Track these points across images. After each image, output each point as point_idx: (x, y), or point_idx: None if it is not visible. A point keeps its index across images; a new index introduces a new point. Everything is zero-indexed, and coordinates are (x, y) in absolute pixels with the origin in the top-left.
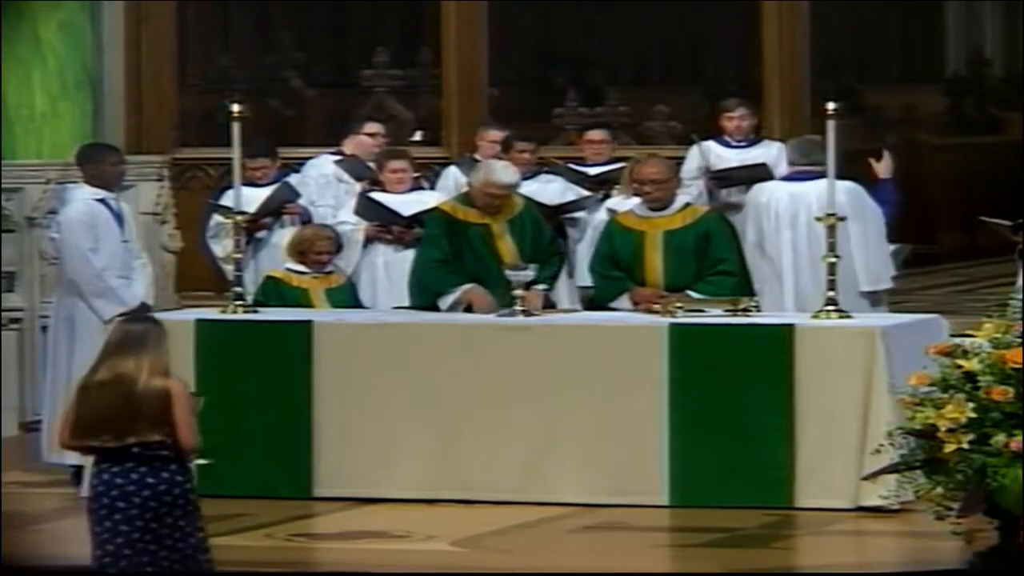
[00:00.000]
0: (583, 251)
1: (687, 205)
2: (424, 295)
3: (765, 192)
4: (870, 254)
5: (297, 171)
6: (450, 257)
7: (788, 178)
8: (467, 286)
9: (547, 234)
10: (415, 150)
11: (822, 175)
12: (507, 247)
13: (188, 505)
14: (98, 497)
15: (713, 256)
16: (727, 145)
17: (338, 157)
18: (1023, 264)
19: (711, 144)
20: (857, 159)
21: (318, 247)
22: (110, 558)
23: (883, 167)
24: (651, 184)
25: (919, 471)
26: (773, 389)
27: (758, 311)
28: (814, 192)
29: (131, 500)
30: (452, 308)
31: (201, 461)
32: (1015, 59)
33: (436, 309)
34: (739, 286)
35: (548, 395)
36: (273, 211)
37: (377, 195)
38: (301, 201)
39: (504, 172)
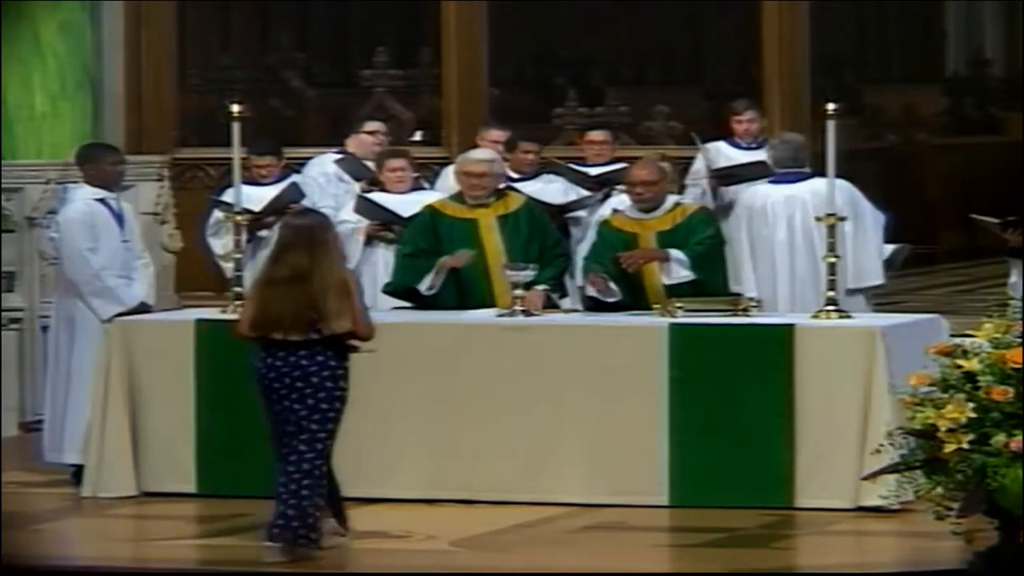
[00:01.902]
0: (585, 251)
1: (677, 205)
2: (396, 289)
3: (759, 196)
4: (858, 252)
5: (298, 171)
6: (421, 251)
7: (779, 180)
8: (441, 260)
9: (552, 235)
10: (415, 150)
11: (810, 175)
12: (493, 242)
13: (334, 390)
14: (260, 379)
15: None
16: (736, 147)
17: (338, 156)
18: (1017, 262)
19: (720, 145)
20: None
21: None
22: (274, 434)
23: None
24: (641, 186)
25: (919, 471)
26: (773, 389)
27: (758, 310)
28: (808, 192)
29: (283, 380)
30: (433, 287)
31: (370, 348)
32: (1015, 59)
33: (415, 299)
34: (697, 267)
35: (548, 395)
36: (278, 210)
37: (376, 195)
38: (304, 201)
39: (477, 151)
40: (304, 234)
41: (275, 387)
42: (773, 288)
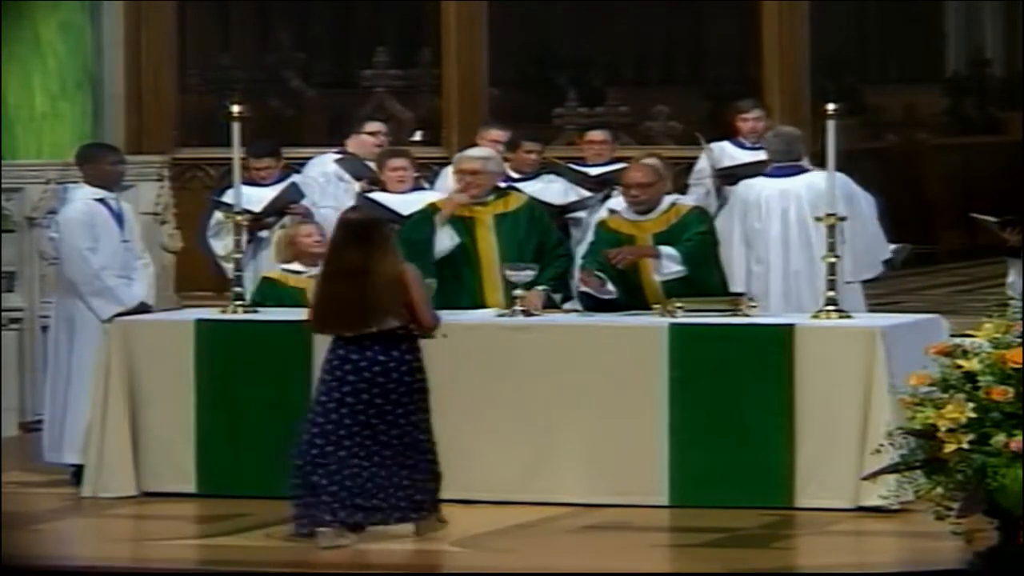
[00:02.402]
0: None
1: (672, 205)
2: None
3: (754, 189)
4: (857, 246)
5: (298, 171)
6: (415, 242)
7: (774, 174)
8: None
9: (554, 235)
10: (415, 150)
11: (805, 169)
12: (489, 240)
13: (414, 384)
14: (332, 370)
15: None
16: (741, 146)
17: (339, 156)
18: (1015, 261)
19: (725, 145)
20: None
21: (304, 231)
22: (332, 425)
23: None
24: (636, 188)
25: (919, 471)
26: (773, 389)
27: (756, 310)
28: (803, 186)
29: (361, 375)
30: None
31: (442, 334)
32: (1015, 59)
33: None
34: (687, 262)
35: (548, 395)
36: (278, 210)
37: (377, 195)
38: (304, 202)
39: (473, 150)
40: (358, 230)
41: (350, 380)
42: (766, 284)
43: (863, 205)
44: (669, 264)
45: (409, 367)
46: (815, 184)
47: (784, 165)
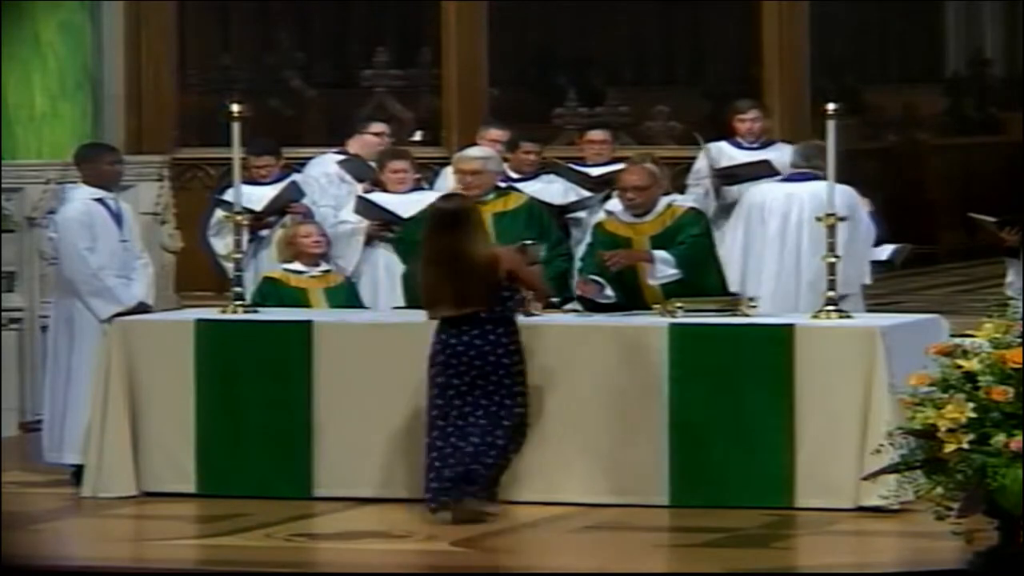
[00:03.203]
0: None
1: (668, 207)
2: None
3: (761, 192)
4: (848, 258)
5: (298, 171)
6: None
7: (786, 179)
8: None
9: (554, 235)
10: (415, 150)
11: (818, 178)
12: None
13: (512, 366)
14: (435, 355)
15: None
16: (739, 146)
17: (341, 157)
18: (1014, 261)
19: (723, 145)
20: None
21: (303, 231)
22: (447, 408)
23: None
24: (633, 191)
25: (919, 471)
26: (773, 389)
27: (756, 310)
28: (808, 191)
29: (461, 359)
30: None
31: (555, 300)
32: (1015, 59)
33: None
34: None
35: (548, 395)
36: (279, 210)
37: (376, 196)
38: (304, 201)
39: (472, 149)
40: (450, 217)
41: (451, 363)
42: (758, 284)
43: (859, 228)
44: (663, 268)
45: (505, 349)
46: (820, 192)
47: (798, 172)
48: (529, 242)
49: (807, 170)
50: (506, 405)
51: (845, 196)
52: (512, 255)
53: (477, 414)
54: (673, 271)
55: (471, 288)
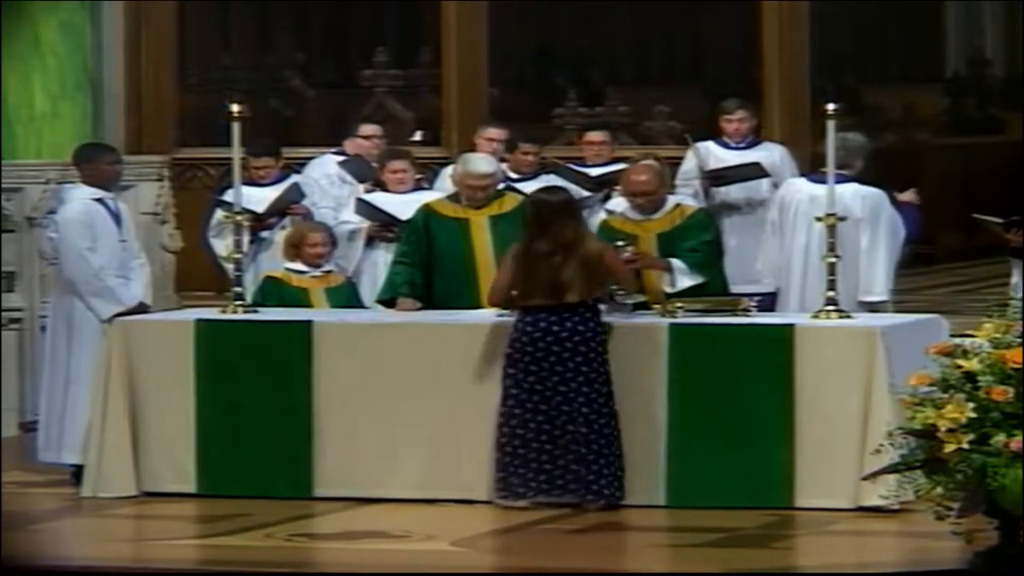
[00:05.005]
0: None
1: (677, 206)
2: (382, 301)
3: (791, 190)
4: (870, 264)
5: (298, 171)
6: (410, 254)
7: (815, 179)
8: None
9: None
10: (415, 150)
11: (849, 179)
12: (483, 242)
13: (591, 352)
14: (512, 342)
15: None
16: (726, 147)
17: (341, 158)
18: (1018, 262)
19: (710, 145)
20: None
21: (311, 239)
22: (525, 394)
23: (907, 195)
24: (642, 196)
25: (919, 471)
26: (773, 389)
27: (756, 311)
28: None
29: (536, 345)
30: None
31: (639, 298)
32: (1015, 59)
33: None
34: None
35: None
36: (280, 211)
37: (375, 196)
38: (304, 202)
39: (480, 162)
40: (565, 208)
41: (528, 351)
42: (787, 280)
43: (885, 229)
44: (682, 278)
45: (583, 337)
46: (845, 193)
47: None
48: (620, 243)
49: (839, 170)
50: (603, 393)
51: (870, 199)
52: (613, 250)
53: (579, 400)
54: (692, 279)
55: (582, 277)
